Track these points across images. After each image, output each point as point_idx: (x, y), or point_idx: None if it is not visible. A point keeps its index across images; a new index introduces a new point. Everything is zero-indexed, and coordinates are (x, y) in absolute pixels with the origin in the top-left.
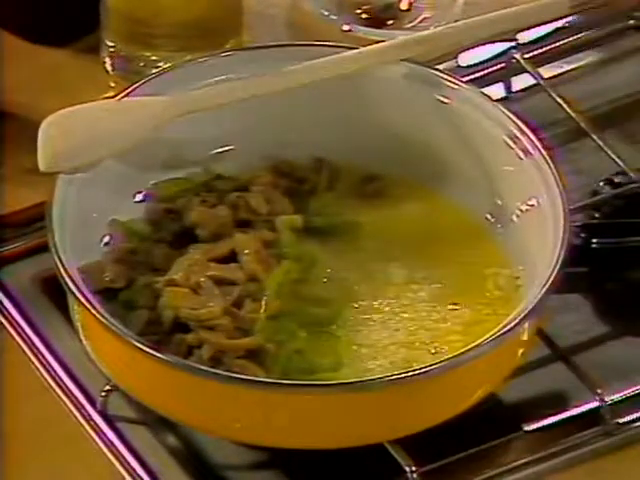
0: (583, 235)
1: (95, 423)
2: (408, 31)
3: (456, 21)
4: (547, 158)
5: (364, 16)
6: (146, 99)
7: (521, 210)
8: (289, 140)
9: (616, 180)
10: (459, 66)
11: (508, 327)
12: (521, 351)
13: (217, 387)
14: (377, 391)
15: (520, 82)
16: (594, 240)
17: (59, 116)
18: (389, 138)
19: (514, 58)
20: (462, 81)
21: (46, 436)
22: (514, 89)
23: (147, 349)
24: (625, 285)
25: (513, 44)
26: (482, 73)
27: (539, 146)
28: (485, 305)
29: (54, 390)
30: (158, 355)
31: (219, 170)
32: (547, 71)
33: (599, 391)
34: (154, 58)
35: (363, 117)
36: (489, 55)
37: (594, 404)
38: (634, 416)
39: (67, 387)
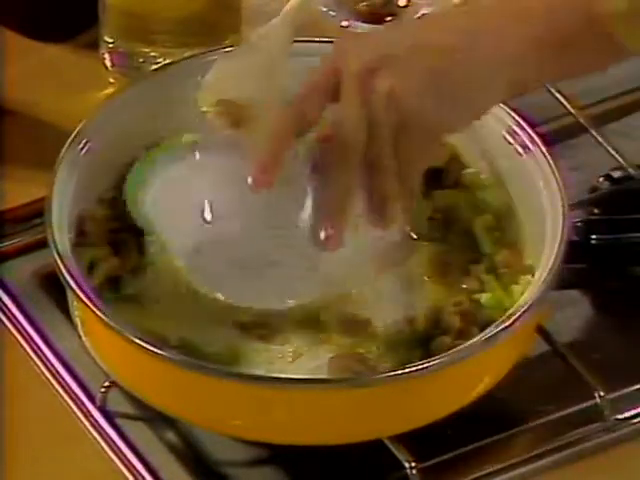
0: (582, 231)
1: (94, 419)
2: None
3: None
4: (546, 154)
5: (363, 12)
6: None
7: (520, 205)
8: None
9: (615, 176)
10: None
11: (507, 323)
12: (520, 347)
13: (216, 383)
14: (376, 387)
15: None
16: (593, 236)
17: None
18: None
19: None
20: None
21: (45, 432)
22: None
23: (146, 345)
24: (624, 281)
25: None
26: None
27: (538, 142)
28: None
29: (53, 386)
30: (157, 351)
31: None
32: None
33: (598, 387)
34: (153, 54)
35: None
36: None
37: (593, 400)
38: (633, 412)
39: (66, 383)
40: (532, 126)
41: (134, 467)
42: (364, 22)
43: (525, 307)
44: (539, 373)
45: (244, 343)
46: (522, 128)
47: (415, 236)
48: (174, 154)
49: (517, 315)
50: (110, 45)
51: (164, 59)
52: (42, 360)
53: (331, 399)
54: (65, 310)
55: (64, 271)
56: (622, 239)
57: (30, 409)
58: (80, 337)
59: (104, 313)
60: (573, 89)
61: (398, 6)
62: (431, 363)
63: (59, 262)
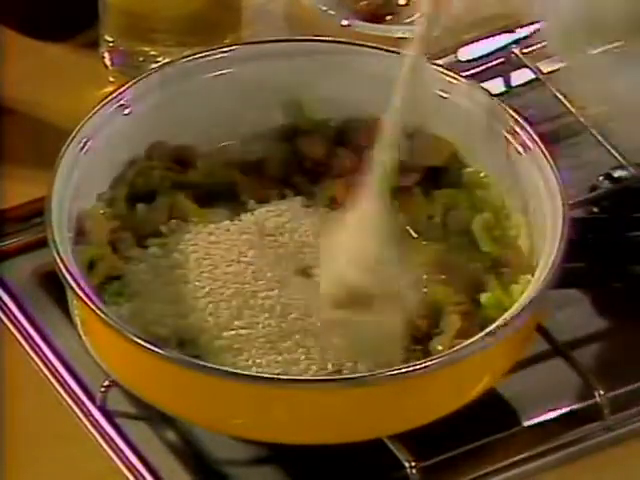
0: (582, 230)
1: (94, 418)
2: (406, 26)
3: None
4: (546, 153)
5: (363, 11)
6: None
7: (520, 205)
8: None
9: (615, 175)
10: (459, 61)
11: (507, 322)
12: (520, 346)
13: (217, 383)
14: (376, 387)
15: (519, 77)
16: (593, 235)
17: None
18: None
19: (513, 53)
20: (462, 76)
21: (45, 431)
22: (513, 84)
23: (146, 344)
24: (624, 280)
25: (513, 39)
26: (482, 68)
27: (538, 141)
28: None
29: (53, 385)
30: (157, 351)
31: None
32: (546, 66)
33: (598, 386)
34: (153, 53)
35: (361, 112)
36: (489, 50)
37: (593, 399)
38: (633, 411)
39: (66, 382)
40: (532, 125)
41: (134, 467)
42: (364, 21)
43: (525, 306)
44: (539, 372)
45: (246, 343)
46: (522, 127)
47: (415, 236)
48: None
49: (517, 314)
50: (110, 44)
51: (164, 58)
52: (42, 359)
53: (331, 399)
54: (65, 309)
55: (64, 270)
56: (622, 238)
57: (30, 409)
58: (80, 336)
59: (104, 312)
60: None
61: (398, 5)
62: (431, 363)
63: (59, 261)
